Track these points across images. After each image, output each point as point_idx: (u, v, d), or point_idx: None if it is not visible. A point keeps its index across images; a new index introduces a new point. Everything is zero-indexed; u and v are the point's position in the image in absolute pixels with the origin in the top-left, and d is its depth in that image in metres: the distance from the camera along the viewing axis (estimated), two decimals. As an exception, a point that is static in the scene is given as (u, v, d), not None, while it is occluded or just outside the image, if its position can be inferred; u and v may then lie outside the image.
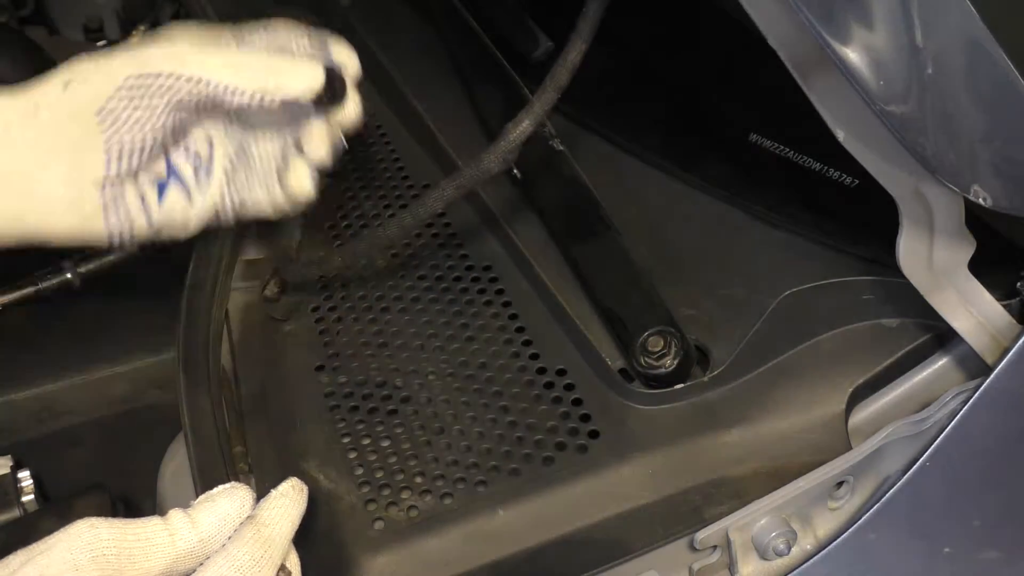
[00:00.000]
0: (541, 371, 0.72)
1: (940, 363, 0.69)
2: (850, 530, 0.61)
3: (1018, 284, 0.65)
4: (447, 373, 0.73)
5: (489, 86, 0.88)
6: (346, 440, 0.70)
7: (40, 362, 0.91)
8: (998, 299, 0.63)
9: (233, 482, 0.55)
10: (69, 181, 0.58)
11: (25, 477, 0.82)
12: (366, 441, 0.70)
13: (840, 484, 0.63)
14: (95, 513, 0.50)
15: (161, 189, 0.60)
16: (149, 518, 0.51)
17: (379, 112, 0.94)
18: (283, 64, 0.60)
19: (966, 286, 0.62)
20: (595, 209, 0.78)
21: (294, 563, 0.54)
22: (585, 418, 0.69)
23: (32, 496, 0.81)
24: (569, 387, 0.71)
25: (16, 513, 0.79)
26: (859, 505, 0.64)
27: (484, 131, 0.87)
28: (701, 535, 0.61)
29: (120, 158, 0.58)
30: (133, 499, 0.82)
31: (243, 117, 0.64)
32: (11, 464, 0.82)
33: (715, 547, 0.62)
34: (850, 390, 0.67)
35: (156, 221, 0.61)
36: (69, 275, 0.97)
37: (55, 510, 0.78)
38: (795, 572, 0.62)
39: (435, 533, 0.64)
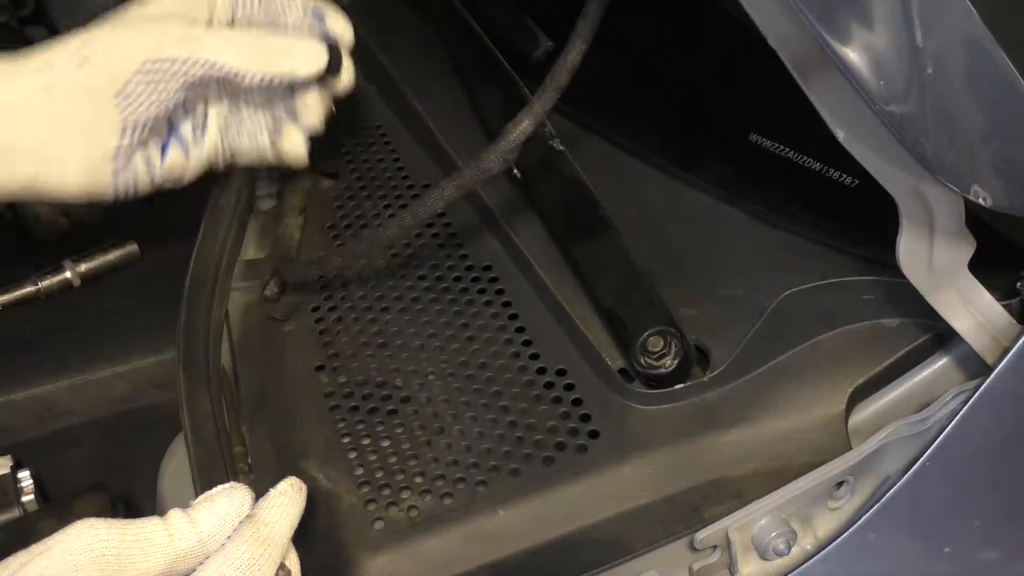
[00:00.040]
0: (541, 371, 0.72)
1: (940, 363, 0.69)
2: (850, 530, 0.61)
3: (1018, 284, 0.64)
4: (447, 373, 0.73)
5: (489, 86, 0.88)
6: (346, 440, 0.70)
7: (40, 362, 0.91)
8: (998, 299, 0.62)
9: (232, 482, 0.55)
10: (84, 154, 0.60)
11: (25, 477, 0.82)
12: (366, 441, 0.70)
13: (840, 484, 0.63)
14: (95, 513, 0.50)
15: (163, 148, 0.63)
16: (148, 518, 0.51)
17: (379, 112, 0.94)
18: (290, 47, 0.62)
19: (966, 286, 0.62)
20: (595, 209, 0.78)
21: (294, 562, 0.54)
22: (585, 418, 0.69)
23: (32, 496, 0.81)
24: (569, 387, 0.71)
25: (16, 513, 0.79)
26: (859, 505, 0.63)
27: (484, 131, 0.87)
28: (701, 535, 0.61)
29: (133, 132, 0.60)
30: (133, 499, 0.83)
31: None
32: (11, 464, 0.82)
33: (715, 547, 0.62)
34: (850, 390, 0.67)
35: (158, 177, 0.64)
36: (69, 275, 0.98)
37: (55, 510, 0.78)
38: (795, 572, 0.62)
39: (435, 533, 0.64)
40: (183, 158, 0.64)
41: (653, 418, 0.68)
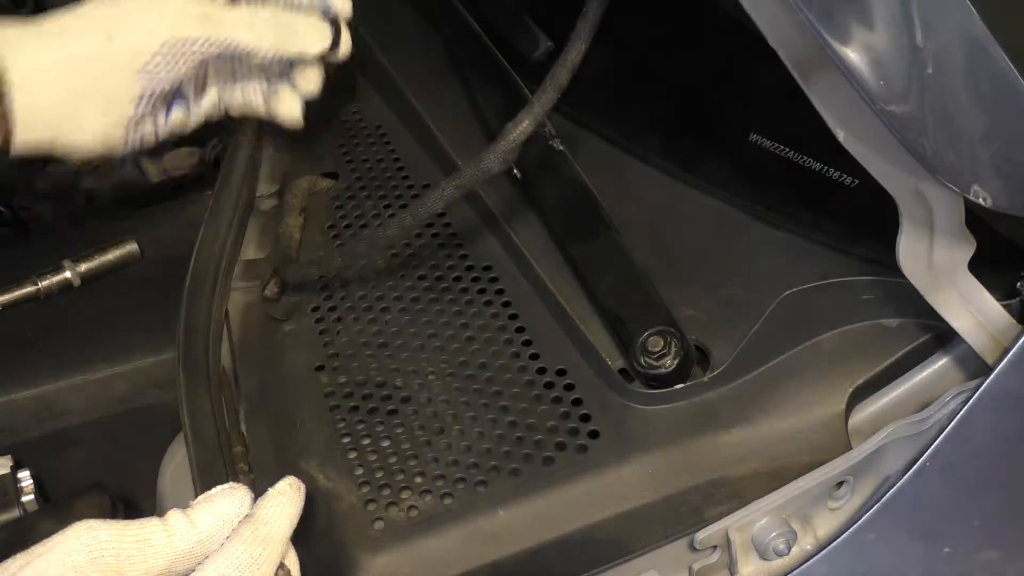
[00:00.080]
0: (541, 371, 0.72)
1: (940, 363, 0.69)
2: (850, 530, 0.61)
3: (1018, 284, 0.64)
4: (447, 373, 0.73)
5: (489, 86, 0.88)
6: (346, 440, 0.70)
7: (40, 362, 0.91)
8: (998, 299, 0.62)
9: (231, 482, 0.55)
10: (100, 121, 0.63)
11: (25, 477, 0.82)
12: (366, 441, 0.70)
13: (840, 484, 0.63)
14: (95, 513, 0.50)
15: (168, 108, 0.66)
16: (147, 519, 0.51)
17: (379, 112, 0.94)
18: (299, 26, 0.66)
19: (966, 286, 0.62)
20: (595, 209, 0.78)
21: (293, 561, 0.54)
22: (585, 418, 0.69)
23: (32, 496, 0.81)
24: (569, 387, 0.71)
25: (16, 513, 0.79)
26: (859, 505, 0.63)
27: (484, 131, 0.87)
28: (701, 535, 0.61)
29: (149, 101, 0.64)
30: (133, 499, 0.82)
31: None
32: (11, 464, 0.82)
33: (715, 547, 0.62)
34: (850, 390, 0.67)
35: (163, 133, 0.67)
36: (69, 275, 0.98)
37: (55, 510, 0.78)
38: (795, 572, 0.62)
39: (435, 533, 0.64)
40: (185, 116, 0.67)
41: (653, 418, 0.68)
